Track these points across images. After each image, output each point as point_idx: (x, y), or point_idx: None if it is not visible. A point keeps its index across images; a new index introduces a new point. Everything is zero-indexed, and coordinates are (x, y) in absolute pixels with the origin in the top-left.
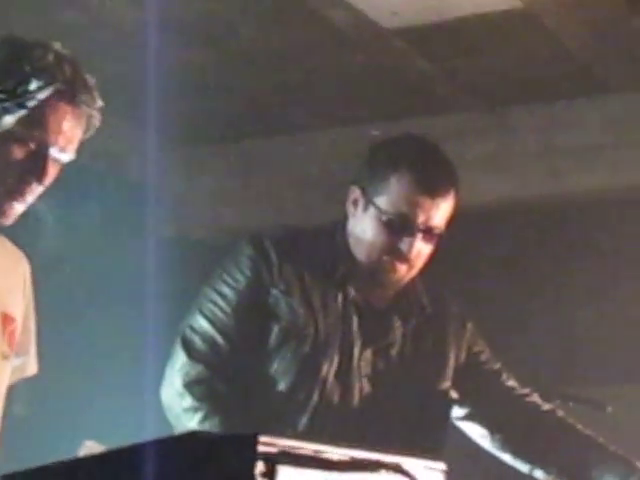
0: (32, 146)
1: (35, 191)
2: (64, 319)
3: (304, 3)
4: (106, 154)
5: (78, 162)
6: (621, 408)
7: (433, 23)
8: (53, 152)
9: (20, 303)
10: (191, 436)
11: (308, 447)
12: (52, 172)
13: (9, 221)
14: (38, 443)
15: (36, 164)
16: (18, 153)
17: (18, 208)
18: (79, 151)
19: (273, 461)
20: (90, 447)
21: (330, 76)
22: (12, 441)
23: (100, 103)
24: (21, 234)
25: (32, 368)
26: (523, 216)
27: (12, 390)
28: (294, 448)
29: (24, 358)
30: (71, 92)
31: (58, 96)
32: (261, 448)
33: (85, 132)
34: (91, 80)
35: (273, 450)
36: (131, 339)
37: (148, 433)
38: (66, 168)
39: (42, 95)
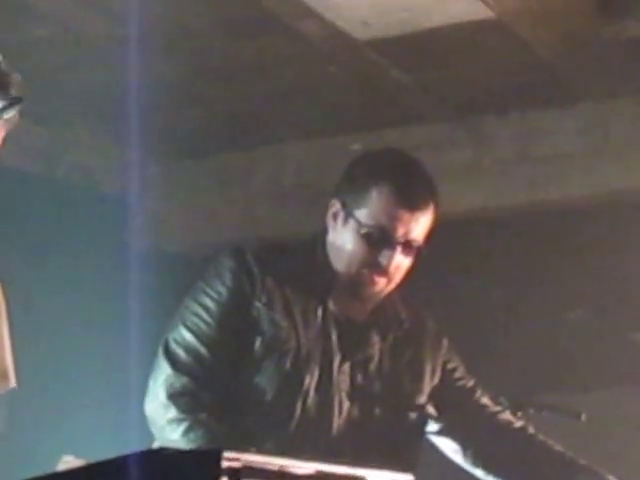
0: None
1: None
2: (43, 332)
3: (276, 16)
4: (82, 168)
5: (54, 176)
6: (595, 415)
7: (405, 34)
8: None
9: None
10: (156, 452)
11: (273, 462)
12: None
13: None
14: (16, 458)
15: None
16: None
17: None
18: (55, 166)
19: (237, 476)
20: (69, 462)
21: (303, 88)
22: None
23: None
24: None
25: (9, 382)
26: (499, 225)
27: None
28: (259, 463)
29: None
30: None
31: None
32: (225, 464)
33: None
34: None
35: (237, 465)
36: (111, 353)
37: (128, 449)
38: (41, 182)
39: (7, 115)
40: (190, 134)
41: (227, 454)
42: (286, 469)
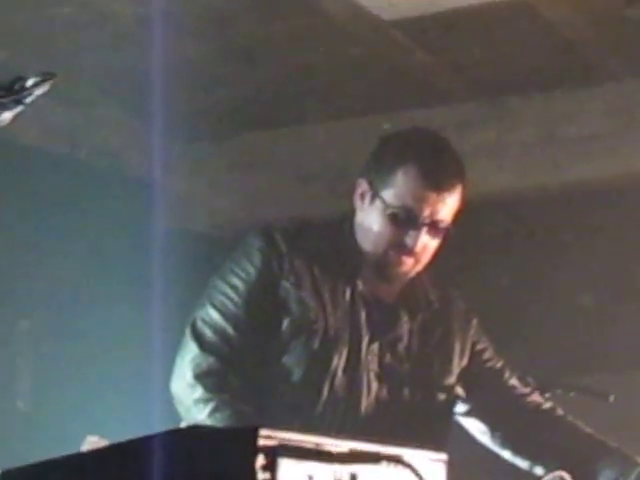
0: None
1: None
2: (68, 313)
3: None
4: (106, 149)
5: (77, 156)
6: (624, 396)
7: (430, 14)
8: None
9: None
10: (192, 430)
11: (308, 440)
12: None
13: None
14: (41, 438)
15: None
16: None
17: None
18: (79, 146)
19: (273, 454)
20: (93, 442)
21: (329, 68)
22: (15, 436)
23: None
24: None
25: None
26: (523, 206)
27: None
28: (294, 441)
29: None
30: None
31: None
32: (261, 441)
33: None
34: None
35: (273, 443)
36: (136, 333)
37: (152, 428)
38: (65, 163)
39: (39, 91)
40: (215, 114)
41: (263, 432)
42: (322, 447)
